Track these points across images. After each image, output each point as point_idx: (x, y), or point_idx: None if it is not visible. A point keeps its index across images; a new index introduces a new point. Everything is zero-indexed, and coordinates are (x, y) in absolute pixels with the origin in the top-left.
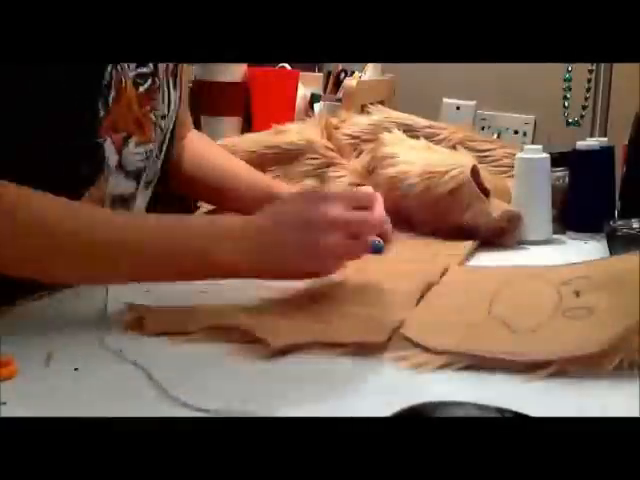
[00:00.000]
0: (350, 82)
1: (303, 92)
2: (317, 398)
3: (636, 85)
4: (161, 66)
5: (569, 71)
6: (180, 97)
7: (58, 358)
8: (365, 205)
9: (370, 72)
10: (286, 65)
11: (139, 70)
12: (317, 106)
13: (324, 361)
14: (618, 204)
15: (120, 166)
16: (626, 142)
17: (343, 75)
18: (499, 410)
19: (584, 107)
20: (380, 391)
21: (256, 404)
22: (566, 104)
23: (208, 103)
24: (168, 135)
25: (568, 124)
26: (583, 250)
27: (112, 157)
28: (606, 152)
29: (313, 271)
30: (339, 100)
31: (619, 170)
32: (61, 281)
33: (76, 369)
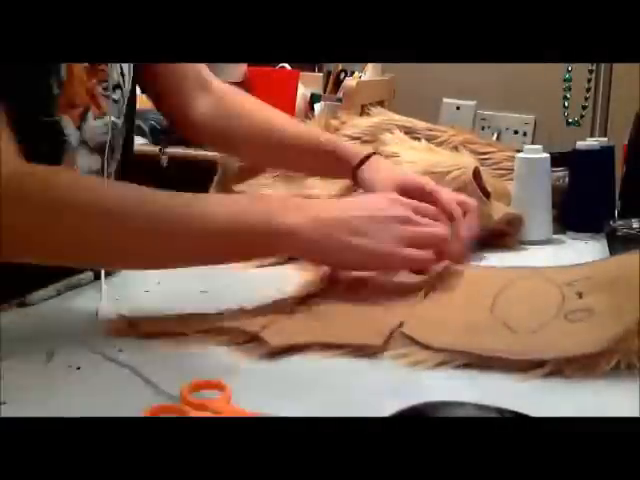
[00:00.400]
0: (350, 82)
1: (303, 92)
2: (317, 398)
3: (636, 85)
4: None
5: (569, 71)
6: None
7: (58, 358)
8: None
9: (370, 72)
10: (286, 65)
11: None
12: (317, 106)
13: (324, 361)
14: (618, 204)
15: (82, 142)
16: (626, 142)
17: (343, 75)
18: (499, 410)
19: (584, 107)
20: (380, 391)
21: (256, 404)
22: (566, 104)
23: None
24: (124, 107)
25: (568, 124)
26: (583, 250)
27: (73, 134)
28: (606, 152)
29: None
30: (339, 100)
31: (619, 170)
32: (122, 265)
33: (78, 368)
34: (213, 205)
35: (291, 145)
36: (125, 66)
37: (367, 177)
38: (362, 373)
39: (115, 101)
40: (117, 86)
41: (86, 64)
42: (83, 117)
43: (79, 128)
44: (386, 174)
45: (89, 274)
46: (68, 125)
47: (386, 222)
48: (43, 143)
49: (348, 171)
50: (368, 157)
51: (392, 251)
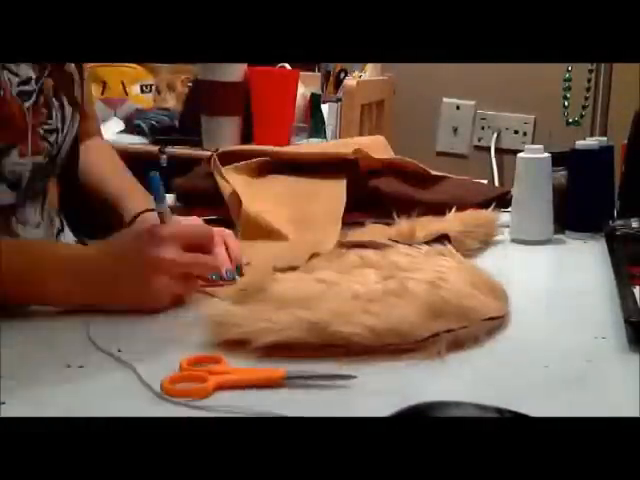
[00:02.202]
0: (350, 82)
1: (303, 92)
2: (317, 398)
3: (636, 85)
4: (47, 83)
5: (569, 71)
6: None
7: (59, 358)
8: (203, 243)
9: (370, 72)
10: (286, 65)
11: (22, 88)
12: (325, 107)
13: (324, 361)
14: (617, 204)
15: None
16: (626, 141)
17: (343, 75)
18: (499, 410)
19: (584, 107)
20: (380, 391)
21: (255, 404)
22: (566, 104)
23: (208, 103)
24: (66, 148)
25: (568, 124)
26: (583, 250)
27: None
28: (605, 152)
29: (144, 308)
30: (339, 100)
31: (618, 170)
32: None
33: (81, 366)
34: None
35: (105, 199)
36: (67, 110)
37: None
38: (362, 373)
39: (50, 144)
40: (54, 130)
41: (27, 105)
42: (5, 152)
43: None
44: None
45: None
46: None
47: (150, 268)
48: None
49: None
50: (142, 213)
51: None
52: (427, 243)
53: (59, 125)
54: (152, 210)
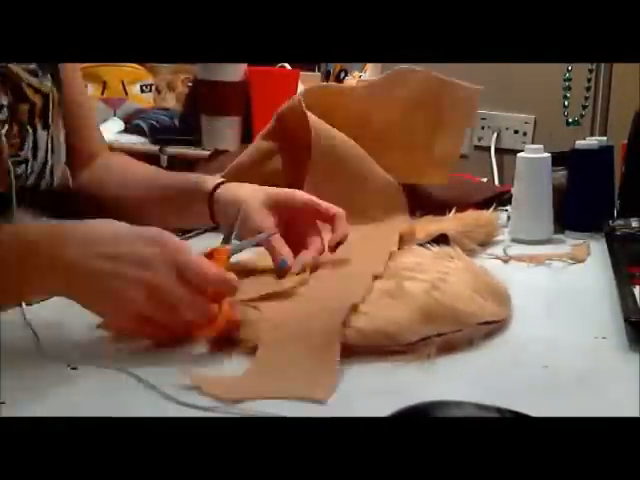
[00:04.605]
0: (350, 82)
1: None
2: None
3: (636, 85)
4: (21, 109)
5: (569, 71)
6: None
7: (57, 358)
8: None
9: (370, 72)
10: (286, 65)
11: None
12: None
13: None
14: (617, 204)
15: None
16: (626, 141)
17: (343, 75)
18: (499, 410)
19: (584, 107)
20: (380, 391)
21: (255, 404)
22: (566, 104)
23: (208, 103)
24: (32, 179)
25: (568, 124)
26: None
27: None
28: (605, 151)
29: (108, 312)
30: None
31: (618, 169)
32: None
33: (74, 368)
34: None
35: (160, 188)
36: (40, 135)
37: (228, 195)
38: (362, 373)
39: (17, 176)
40: (24, 161)
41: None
42: None
43: None
44: (251, 188)
45: None
46: None
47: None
48: None
49: (204, 197)
50: (223, 182)
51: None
52: (427, 243)
53: (29, 155)
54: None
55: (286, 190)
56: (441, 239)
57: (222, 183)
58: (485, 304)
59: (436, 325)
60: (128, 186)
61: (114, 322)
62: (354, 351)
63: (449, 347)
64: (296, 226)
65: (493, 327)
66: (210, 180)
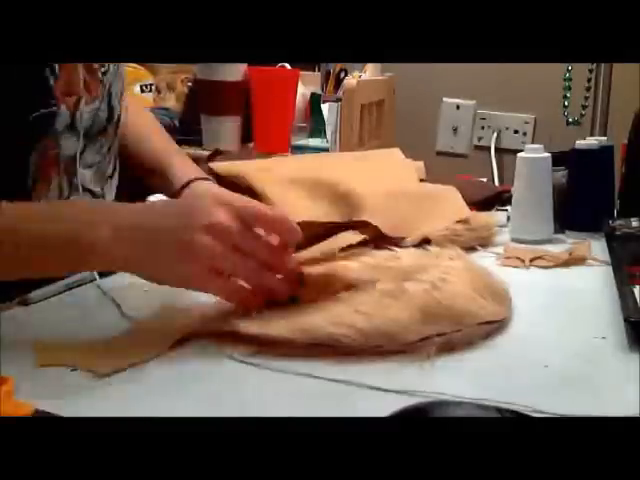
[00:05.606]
0: (350, 81)
1: (303, 92)
2: (317, 398)
3: (636, 85)
4: None
5: (569, 71)
6: None
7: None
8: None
9: (370, 72)
10: (286, 65)
11: None
12: (324, 107)
13: (324, 360)
14: (617, 203)
15: (69, 127)
16: (626, 141)
17: (343, 75)
18: (499, 410)
19: (584, 107)
20: (380, 391)
21: (254, 404)
22: (566, 104)
23: (208, 103)
24: (115, 89)
25: (568, 124)
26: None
27: (63, 120)
28: (605, 151)
29: (184, 275)
30: (339, 100)
31: (618, 169)
32: None
33: (74, 369)
34: (22, 220)
35: (144, 156)
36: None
37: (196, 192)
38: (362, 373)
39: (103, 84)
40: (105, 72)
41: None
42: (77, 105)
43: (72, 115)
44: (219, 191)
45: (91, 272)
46: (63, 113)
47: (199, 228)
48: (37, 131)
49: (173, 195)
50: (192, 181)
51: (205, 278)
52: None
53: (106, 65)
54: (206, 179)
55: (248, 201)
56: (424, 242)
57: (189, 182)
58: (485, 304)
59: (436, 325)
60: (127, 138)
61: (229, 297)
62: (355, 352)
63: (449, 347)
64: None
65: (493, 327)
66: (185, 177)
